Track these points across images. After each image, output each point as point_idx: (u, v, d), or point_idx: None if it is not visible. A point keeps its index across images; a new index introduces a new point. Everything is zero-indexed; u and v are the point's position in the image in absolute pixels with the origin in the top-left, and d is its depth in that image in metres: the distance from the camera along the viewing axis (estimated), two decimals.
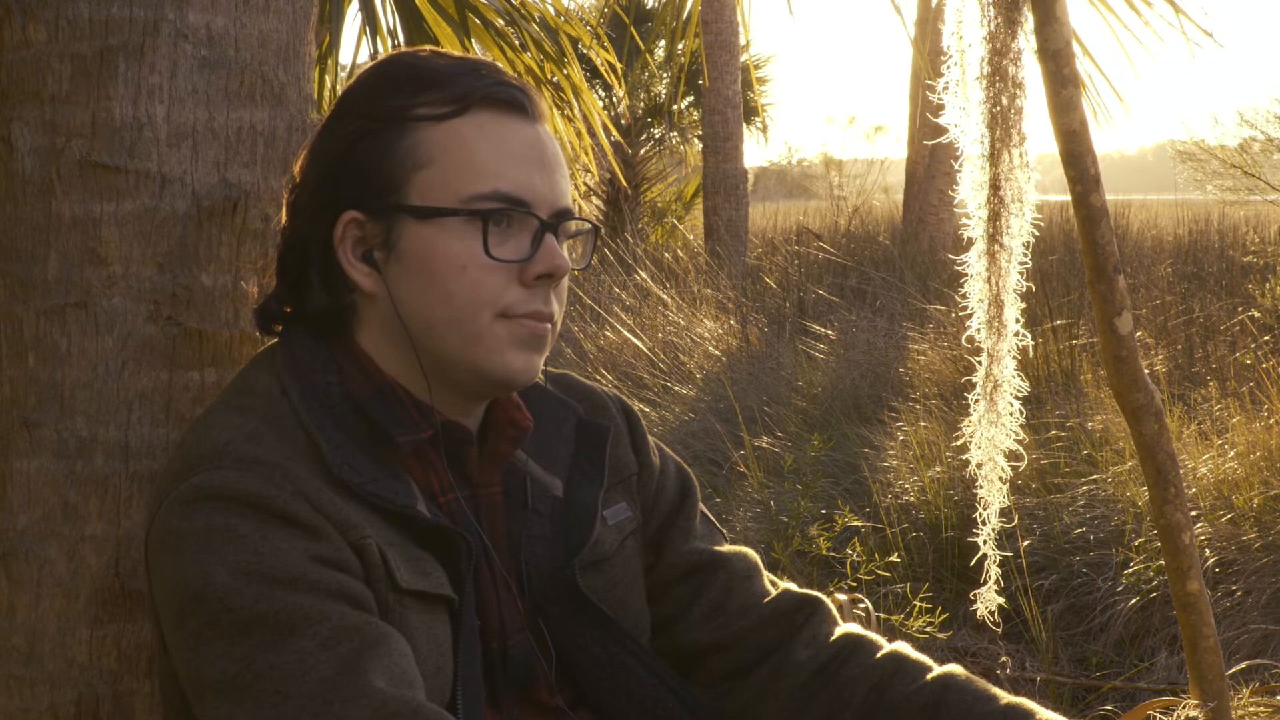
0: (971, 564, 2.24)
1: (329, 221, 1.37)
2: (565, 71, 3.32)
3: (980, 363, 2.10)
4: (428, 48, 1.45)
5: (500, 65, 1.42)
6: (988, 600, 2.21)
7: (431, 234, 1.34)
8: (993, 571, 2.20)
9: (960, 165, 2.04)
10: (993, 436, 2.12)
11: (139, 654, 1.57)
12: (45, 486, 1.56)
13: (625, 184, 13.29)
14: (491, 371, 1.36)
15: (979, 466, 2.14)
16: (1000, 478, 2.14)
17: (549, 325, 1.38)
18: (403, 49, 1.86)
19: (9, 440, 1.57)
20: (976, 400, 2.12)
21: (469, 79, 1.37)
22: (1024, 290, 2.06)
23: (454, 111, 1.35)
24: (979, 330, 2.08)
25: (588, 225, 1.47)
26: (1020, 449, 2.13)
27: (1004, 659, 3.43)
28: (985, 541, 2.17)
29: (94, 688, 1.56)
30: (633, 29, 4.84)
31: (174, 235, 1.56)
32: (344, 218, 1.37)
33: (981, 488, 2.15)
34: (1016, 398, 2.10)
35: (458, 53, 1.44)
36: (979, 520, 2.16)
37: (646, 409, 6.29)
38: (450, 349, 1.36)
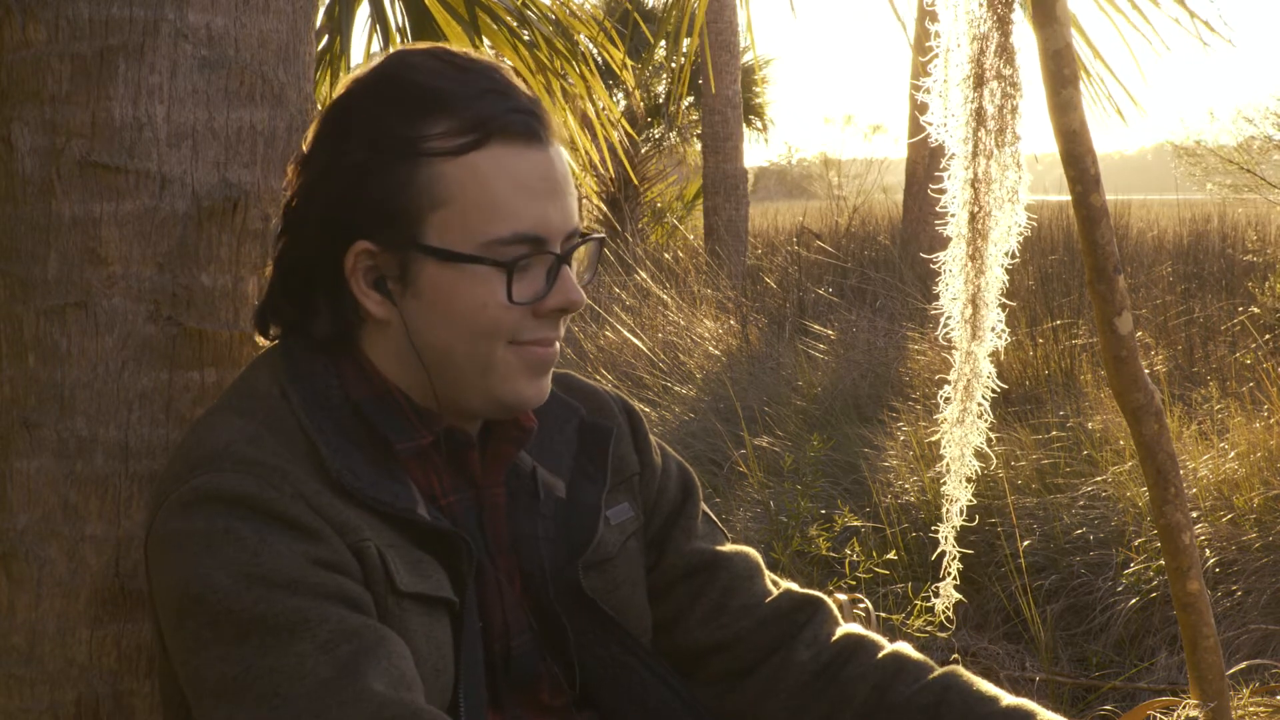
0: (960, 562, 2.24)
1: (339, 251, 1.34)
2: (579, 70, 3.30)
3: (954, 360, 2.11)
4: (425, 45, 1.42)
5: (510, 63, 1.40)
6: (946, 595, 2.22)
7: (452, 278, 1.33)
8: (953, 567, 2.21)
9: (946, 164, 2.05)
10: (963, 435, 2.13)
11: (139, 654, 1.57)
12: (45, 486, 1.55)
13: (634, 178, 13.27)
14: (504, 398, 1.37)
15: (948, 464, 2.15)
16: (966, 476, 2.15)
17: (556, 349, 1.39)
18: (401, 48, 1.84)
19: (9, 440, 1.57)
20: (947, 399, 2.13)
21: (480, 104, 1.32)
22: (1007, 290, 2.06)
23: (469, 145, 1.32)
24: (953, 329, 2.08)
25: (594, 238, 1.46)
26: (988, 450, 2.13)
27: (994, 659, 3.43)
28: (945, 538, 2.17)
29: (94, 688, 1.56)
30: (639, 19, 4.83)
31: (174, 235, 1.56)
32: (355, 248, 1.34)
33: (946, 484, 2.16)
34: (991, 396, 2.11)
35: (459, 50, 1.41)
36: (942, 515, 2.17)
37: (646, 409, 6.28)
38: (466, 377, 1.36)
